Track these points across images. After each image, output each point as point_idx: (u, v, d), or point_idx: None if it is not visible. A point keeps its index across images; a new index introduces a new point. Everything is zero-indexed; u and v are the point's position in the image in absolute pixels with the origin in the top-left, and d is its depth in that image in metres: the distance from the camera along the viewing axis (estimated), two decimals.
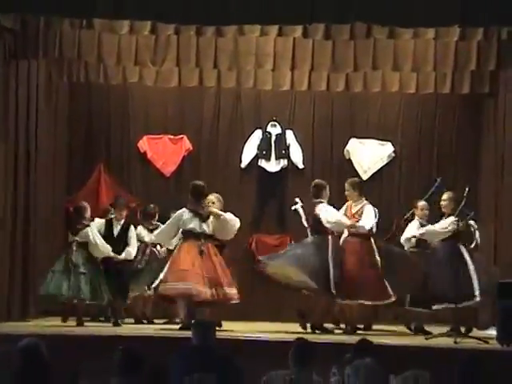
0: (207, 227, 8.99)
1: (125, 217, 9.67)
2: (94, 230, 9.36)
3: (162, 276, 8.86)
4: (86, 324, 9.27)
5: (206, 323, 5.94)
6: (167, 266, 8.93)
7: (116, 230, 9.61)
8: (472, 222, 9.23)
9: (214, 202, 9.15)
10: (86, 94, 11.16)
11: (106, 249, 9.36)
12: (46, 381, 4.53)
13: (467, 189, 8.90)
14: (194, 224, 8.95)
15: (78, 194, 10.71)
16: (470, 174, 10.87)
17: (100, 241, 9.34)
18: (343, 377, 4.47)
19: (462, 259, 9.04)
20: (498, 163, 10.45)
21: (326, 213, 9.09)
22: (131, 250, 9.56)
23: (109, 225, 9.62)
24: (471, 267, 8.98)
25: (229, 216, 9.08)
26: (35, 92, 10.05)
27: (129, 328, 9.28)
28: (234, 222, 9.11)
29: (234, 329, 8.97)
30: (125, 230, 9.59)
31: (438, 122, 11.26)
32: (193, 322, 6.31)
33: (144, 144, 11.21)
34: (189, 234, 8.96)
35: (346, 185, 9.43)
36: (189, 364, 5.12)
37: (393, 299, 9.01)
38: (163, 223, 9.62)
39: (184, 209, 9.05)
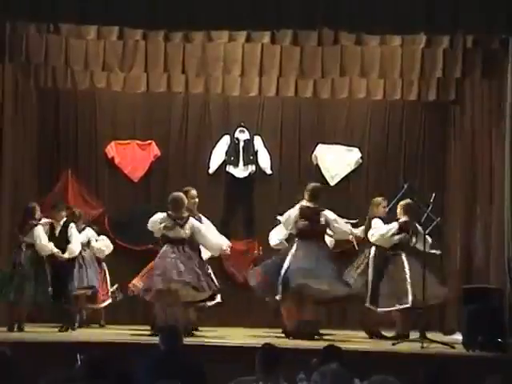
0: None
1: (64, 217, 9.67)
2: (39, 229, 9.36)
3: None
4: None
5: (172, 329, 5.93)
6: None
7: (57, 230, 9.60)
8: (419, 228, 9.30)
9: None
10: (54, 99, 11.07)
11: (46, 247, 9.35)
12: None
13: (433, 195, 8.99)
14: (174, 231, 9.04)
15: (46, 199, 10.62)
16: (437, 180, 10.96)
17: (44, 240, 9.35)
18: (310, 382, 4.47)
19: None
20: (464, 169, 10.54)
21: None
22: (72, 247, 9.51)
23: (51, 227, 9.61)
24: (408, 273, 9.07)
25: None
26: (1, 97, 9.95)
27: (94, 334, 9.21)
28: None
29: (203, 334, 8.97)
30: (65, 229, 9.59)
31: (404, 129, 11.32)
32: (159, 327, 6.30)
33: (112, 149, 11.15)
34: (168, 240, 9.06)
35: None
36: (154, 371, 5.10)
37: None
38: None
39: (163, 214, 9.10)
